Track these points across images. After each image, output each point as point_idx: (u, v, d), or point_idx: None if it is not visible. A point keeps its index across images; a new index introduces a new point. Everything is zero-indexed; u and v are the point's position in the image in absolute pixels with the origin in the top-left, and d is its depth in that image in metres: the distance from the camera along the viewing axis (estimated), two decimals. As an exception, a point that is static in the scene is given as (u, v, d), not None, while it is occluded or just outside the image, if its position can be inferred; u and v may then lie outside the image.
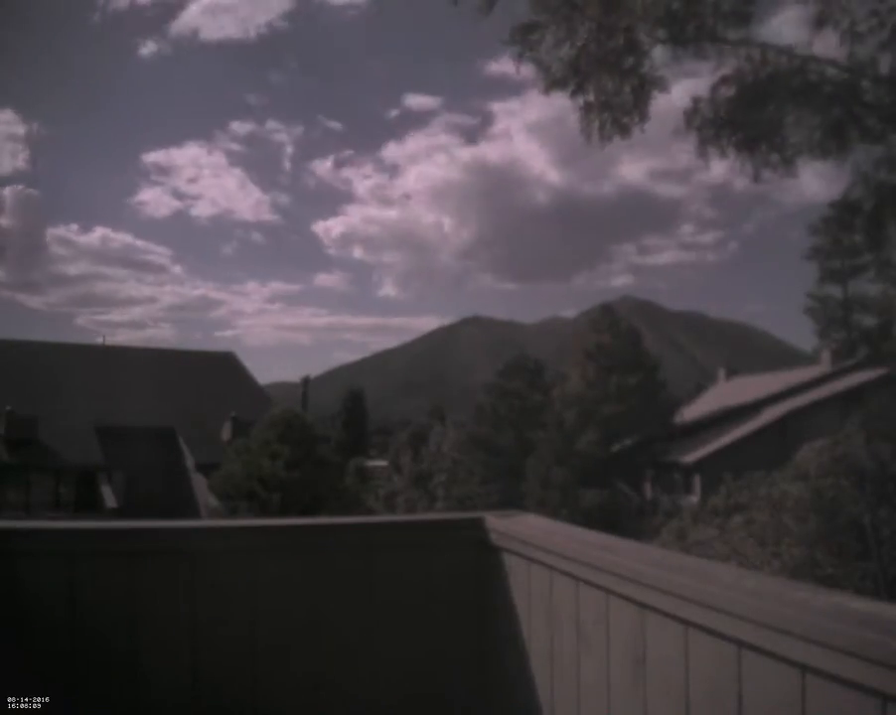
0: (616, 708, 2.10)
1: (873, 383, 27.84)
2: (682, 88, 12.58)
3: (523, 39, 11.73)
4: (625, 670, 2.04)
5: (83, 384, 32.69)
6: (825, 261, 38.20)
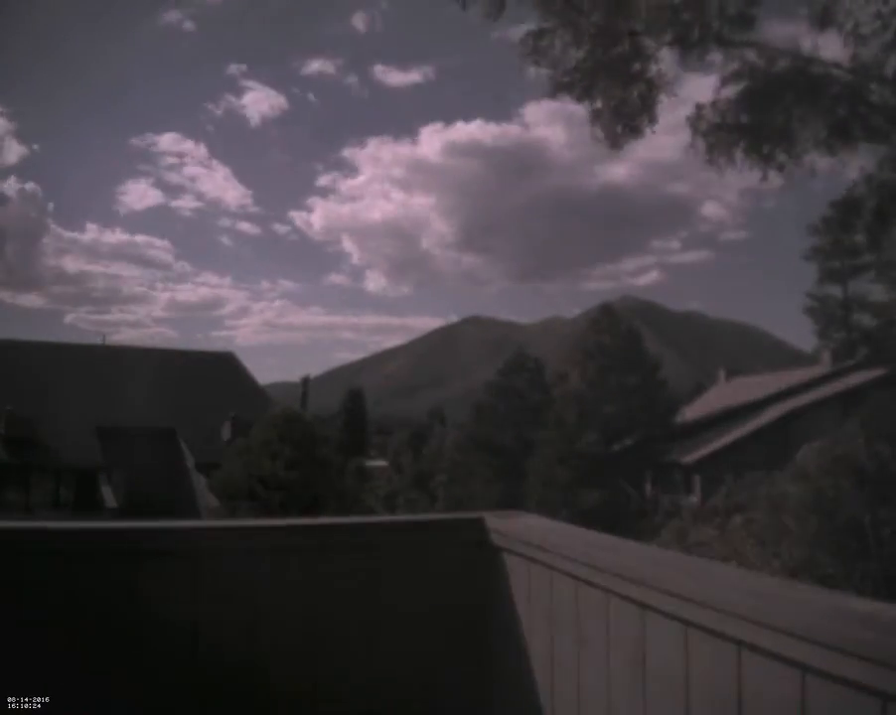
0: (616, 708, 2.09)
1: (873, 383, 27.82)
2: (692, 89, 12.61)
3: (532, 45, 11.78)
4: (625, 670, 2.04)
5: (83, 384, 32.70)
6: (825, 261, 38.21)
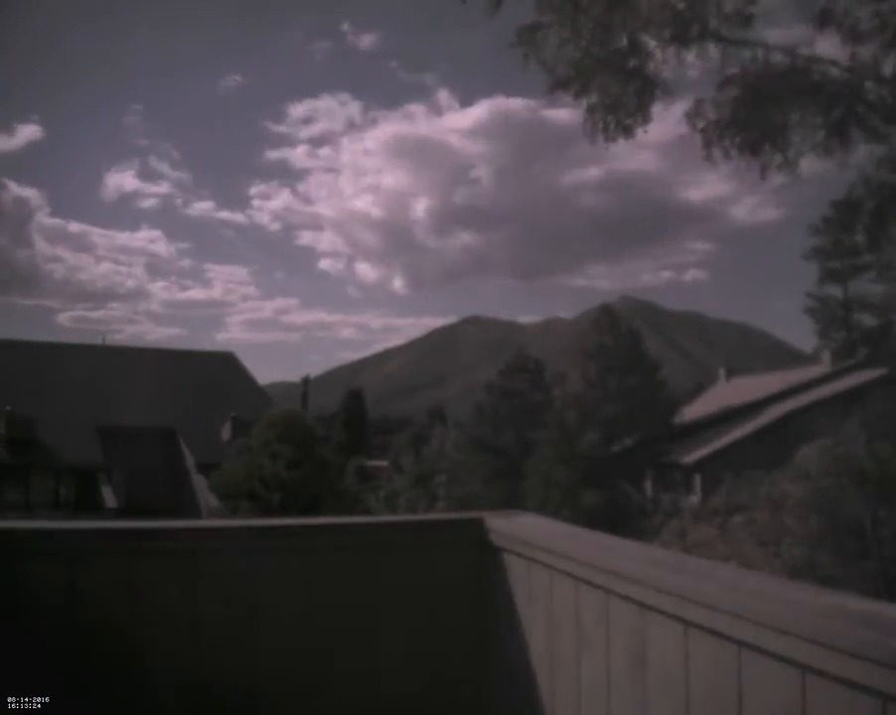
0: (616, 708, 2.10)
1: (873, 383, 27.84)
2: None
3: (528, 39, 11.76)
4: (625, 670, 2.04)
5: (83, 384, 32.71)
6: (826, 261, 38.24)
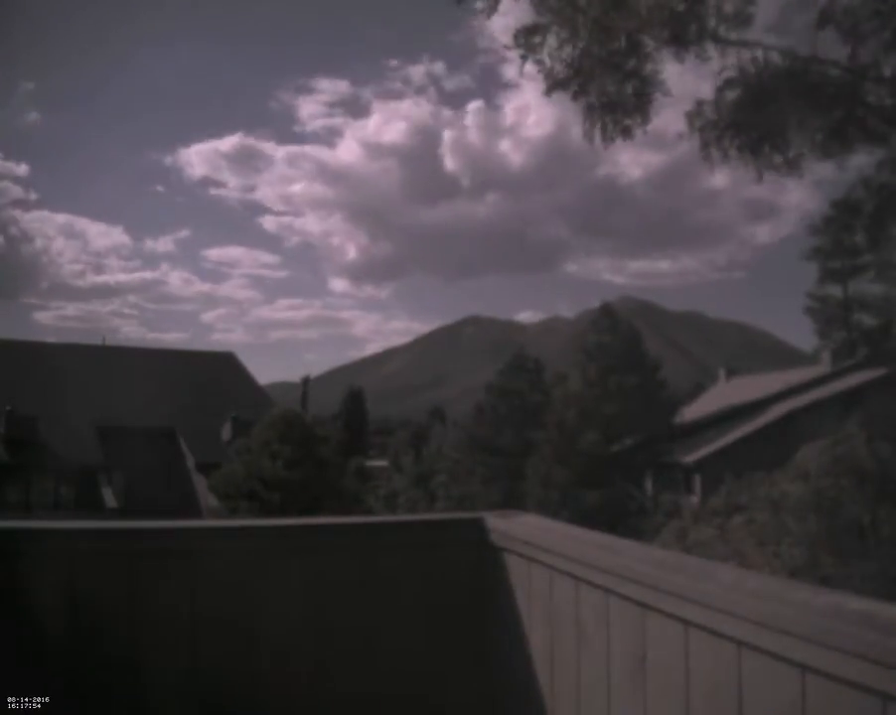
0: (616, 708, 2.10)
1: (873, 383, 27.82)
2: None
3: (526, 41, 11.73)
4: (625, 670, 2.04)
5: (83, 384, 32.70)
6: (826, 261, 38.21)
